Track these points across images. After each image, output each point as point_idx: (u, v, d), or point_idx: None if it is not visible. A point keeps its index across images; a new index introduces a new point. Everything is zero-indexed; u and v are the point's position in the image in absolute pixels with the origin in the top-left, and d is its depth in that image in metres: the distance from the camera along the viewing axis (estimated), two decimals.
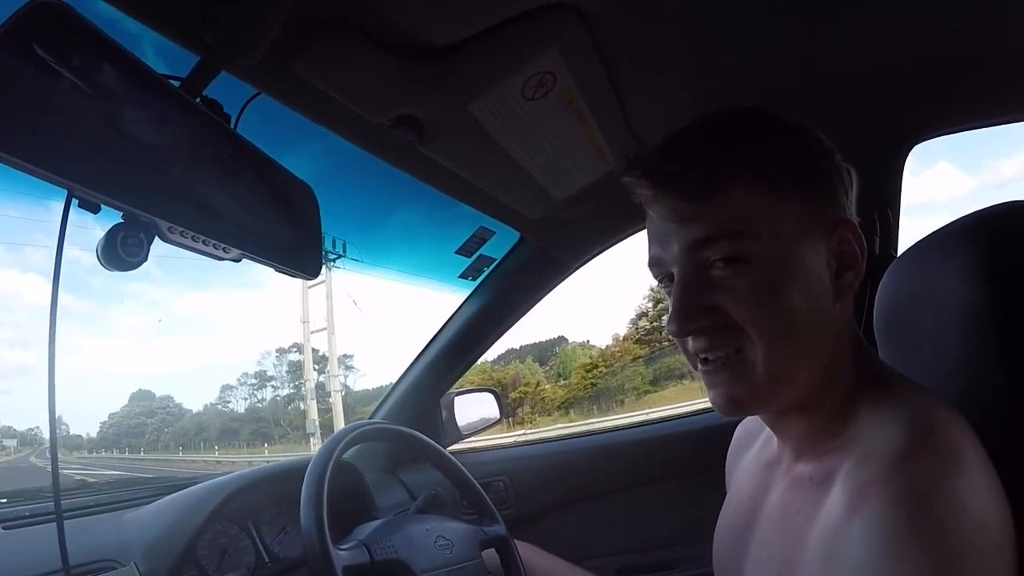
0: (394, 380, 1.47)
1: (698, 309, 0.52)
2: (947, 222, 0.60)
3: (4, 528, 0.86)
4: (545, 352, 25.39)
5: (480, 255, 1.27)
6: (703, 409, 1.46)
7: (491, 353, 1.54)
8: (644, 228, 0.58)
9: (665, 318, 0.55)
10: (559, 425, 18.56)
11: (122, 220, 0.44)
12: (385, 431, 1.08)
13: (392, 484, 1.37)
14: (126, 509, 0.99)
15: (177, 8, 0.49)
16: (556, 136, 0.81)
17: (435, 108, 0.68)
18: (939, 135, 1.02)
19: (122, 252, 0.43)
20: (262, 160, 0.59)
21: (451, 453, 1.11)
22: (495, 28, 0.60)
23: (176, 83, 0.49)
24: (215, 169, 0.53)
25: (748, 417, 0.75)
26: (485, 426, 1.53)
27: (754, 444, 0.70)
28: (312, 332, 18.83)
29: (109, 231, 0.43)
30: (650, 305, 21.02)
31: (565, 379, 22.96)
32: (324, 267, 0.66)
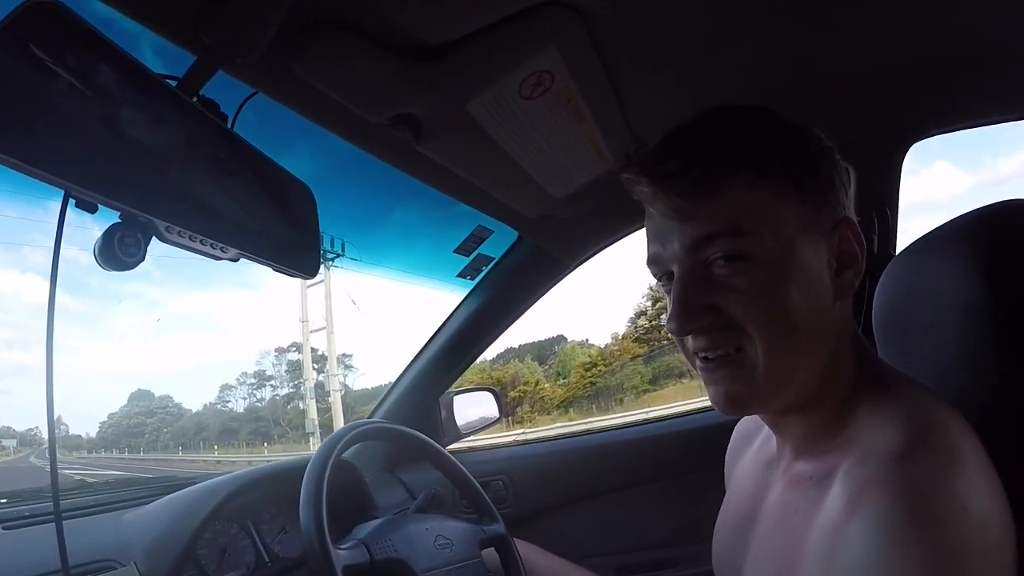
0: (393, 379, 1.47)
1: (698, 308, 0.52)
2: (945, 220, 0.60)
3: (4, 528, 0.86)
4: (544, 351, 25.43)
5: (478, 254, 1.27)
6: (701, 408, 1.46)
7: (490, 352, 1.54)
8: (643, 227, 0.58)
9: (664, 317, 0.55)
10: (558, 424, 18.57)
11: (119, 220, 0.44)
12: (384, 430, 1.08)
13: (391, 483, 1.37)
14: (125, 509, 0.99)
15: (174, 8, 0.49)
16: (554, 135, 0.81)
17: (433, 107, 0.68)
18: (937, 133, 1.01)
19: (119, 252, 0.43)
20: (259, 159, 0.58)
21: (450, 452, 1.11)
22: (493, 27, 0.60)
23: (173, 83, 0.49)
24: (212, 169, 0.53)
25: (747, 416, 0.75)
26: (484, 425, 1.53)
27: (753, 443, 0.70)
28: (311, 331, 18.85)
29: (106, 231, 0.43)
30: (649, 304, 21.05)
31: (564, 378, 22.96)
32: (322, 266, 0.66)
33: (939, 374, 0.57)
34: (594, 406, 20.34)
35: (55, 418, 0.44)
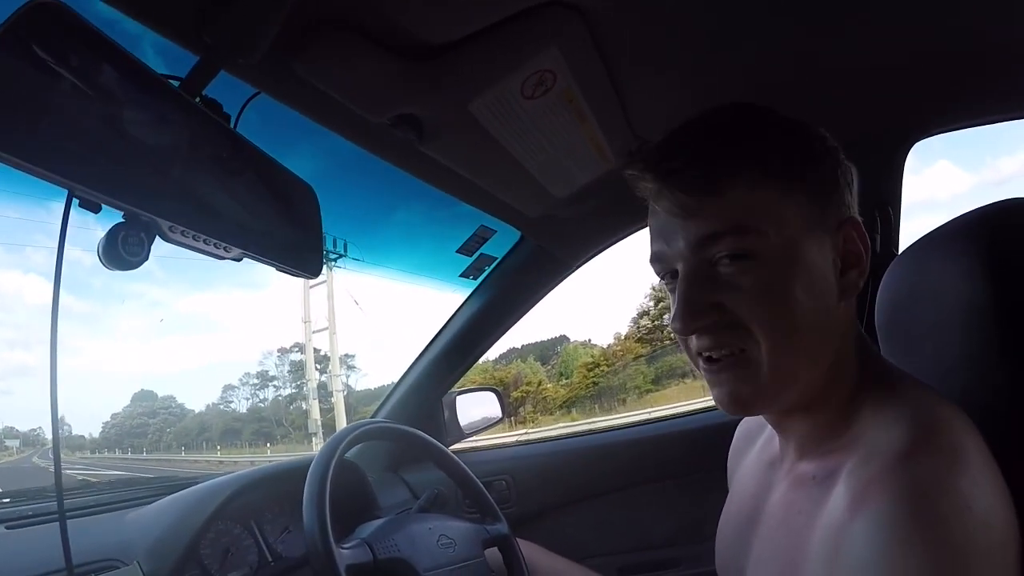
0: (396, 379, 1.47)
1: (703, 306, 0.52)
2: (947, 220, 0.60)
3: (7, 528, 0.86)
4: (547, 351, 25.43)
5: (481, 254, 1.27)
6: (704, 408, 1.46)
7: (493, 352, 1.54)
8: (645, 226, 0.58)
9: (667, 317, 0.55)
10: (561, 424, 18.55)
11: (123, 220, 0.44)
12: (387, 430, 1.08)
13: (394, 483, 1.37)
14: (129, 509, 0.99)
15: (176, 8, 0.49)
16: (556, 134, 0.81)
17: (435, 107, 0.68)
18: (939, 133, 1.01)
19: (123, 251, 0.43)
20: (262, 159, 0.59)
21: (453, 452, 1.11)
22: (494, 27, 0.60)
23: (176, 83, 0.49)
24: (215, 169, 0.53)
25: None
26: (487, 425, 1.53)
27: (756, 443, 0.70)
28: (314, 332, 18.88)
29: (110, 231, 0.43)
30: (651, 303, 21.06)
31: (567, 378, 22.95)
32: (325, 266, 0.66)
33: (942, 374, 0.57)
34: (597, 406, 20.32)
35: (59, 418, 0.44)
